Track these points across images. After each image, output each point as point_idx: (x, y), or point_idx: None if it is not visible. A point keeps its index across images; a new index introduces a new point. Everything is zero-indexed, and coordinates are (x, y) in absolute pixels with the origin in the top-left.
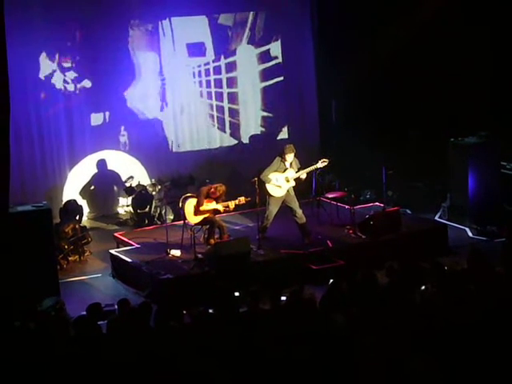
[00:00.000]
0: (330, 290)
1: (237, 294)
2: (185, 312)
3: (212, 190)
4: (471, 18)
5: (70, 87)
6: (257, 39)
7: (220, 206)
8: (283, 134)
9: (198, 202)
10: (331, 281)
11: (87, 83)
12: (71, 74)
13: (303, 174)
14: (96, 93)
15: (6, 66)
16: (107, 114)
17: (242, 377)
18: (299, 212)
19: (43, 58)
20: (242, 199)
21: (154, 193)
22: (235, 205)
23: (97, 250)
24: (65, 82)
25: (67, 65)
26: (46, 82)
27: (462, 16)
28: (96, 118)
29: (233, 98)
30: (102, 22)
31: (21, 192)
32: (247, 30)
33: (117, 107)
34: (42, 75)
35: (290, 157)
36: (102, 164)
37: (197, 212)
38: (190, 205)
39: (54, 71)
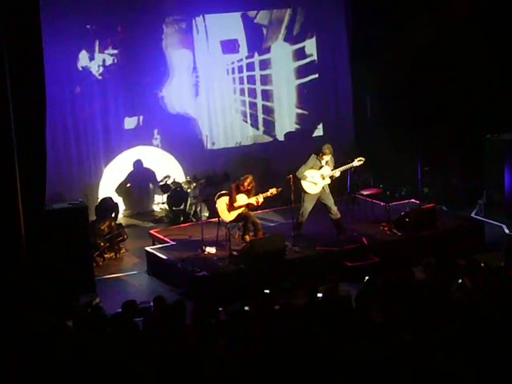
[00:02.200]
0: (366, 287)
1: (267, 291)
2: (221, 309)
3: (240, 182)
4: (507, 13)
5: (107, 79)
6: (293, 37)
7: (252, 200)
8: (318, 131)
9: (230, 198)
10: (366, 278)
11: (122, 76)
12: (109, 58)
13: (338, 172)
14: (130, 95)
15: (42, 67)
16: (141, 118)
17: (277, 373)
18: (334, 209)
19: (82, 55)
20: (274, 190)
21: (189, 190)
22: (267, 197)
23: (132, 248)
24: (105, 68)
25: (106, 59)
26: (83, 74)
27: (498, 12)
28: (129, 122)
29: (267, 95)
30: (137, 20)
31: (57, 190)
32: (284, 28)
33: (151, 110)
34: (79, 67)
35: (327, 157)
36: (137, 162)
37: (230, 209)
38: (222, 203)
39: (88, 66)
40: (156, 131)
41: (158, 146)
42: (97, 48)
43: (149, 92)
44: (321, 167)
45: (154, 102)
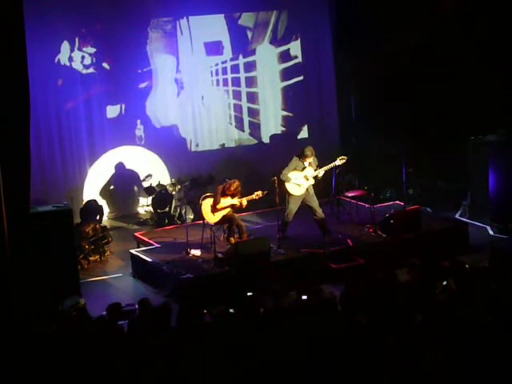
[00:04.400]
0: (348, 289)
1: (249, 293)
2: (205, 311)
3: (226, 186)
4: (493, 16)
5: (89, 71)
6: (278, 39)
7: (235, 201)
8: (303, 133)
9: (214, 200)
10: (347, 280)
11: (106, 66)
12: (88, 59)
13: (322, 172)
14: (112, 84)
15: (25, 63)
16: (123, 106)
17: (263, 377)
18: (319, 211)
19: (63, 50)
20: (260, 193)
21: (173, 192)
22: (252, 199)
23: (117, 250)
24: (84, 66)
25: (86, 50)
26: (64, 69)
27: (484, 13)
28: (112, 111)
29: (253, 97)
30: (121, 20)
31: (42, 192)
32: (269, 30)
33: (133, 100)
34: (60, 62)
35: (309, 159)
36: (121, 164)
37: (214, 210)
38: (207, 205)
39: (70, 57)
40: (139, 121)
41: (141, 137)
42: (79, 45)
43: (130, 83)
44: (304, 168)
45: (136, 93)
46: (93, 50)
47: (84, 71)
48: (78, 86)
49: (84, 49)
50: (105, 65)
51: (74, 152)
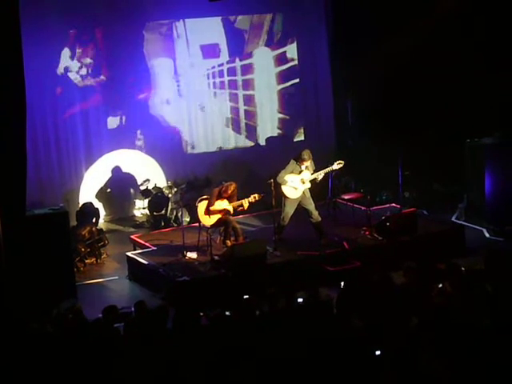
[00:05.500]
0: (344, 292)
1: (246, 296)
2: (202, 314)
3: (223, 188)
4: (490, 18)
5: (88, 82)
6: (274, 41)
7: (232, 204)
8: (299, 136)
9: (208, 202)
10: (343, 283)
11: (103, 78)
12: (85, 69)
13: (319, 176)
14: (112, 95)
15: (22, 71)
16: (123, 118)
17: (259, 380)
18: (315, 213)
19: (63, 56)
20: (256, 196)
21: (170, 195)
22: (249, 202)
23: (113, 253)
24: (82, 75)
25: (85, 61)
26: (63, 76)
27: (481, 15)
28: (112, 122)
29: (249, 100)
30: (118, 25)
31: (38, 195)
32: (264, 33)
33: (133, 111)
34: (58, 71)
35: (306, 162)
36: (118, 167)
37: (208, 213)
38: (202, 207)
39: (68, 67)
40: (139, 131)
41: (141, 146)
42: (77, 50)
43: (130, 94)
44: (300, 172)
45: (136, 103)
46: (91, 56)
47: (82, 80)
48: (76, 94)
49: (82, 58)
50: (103, 73)
51: (71, 154)
